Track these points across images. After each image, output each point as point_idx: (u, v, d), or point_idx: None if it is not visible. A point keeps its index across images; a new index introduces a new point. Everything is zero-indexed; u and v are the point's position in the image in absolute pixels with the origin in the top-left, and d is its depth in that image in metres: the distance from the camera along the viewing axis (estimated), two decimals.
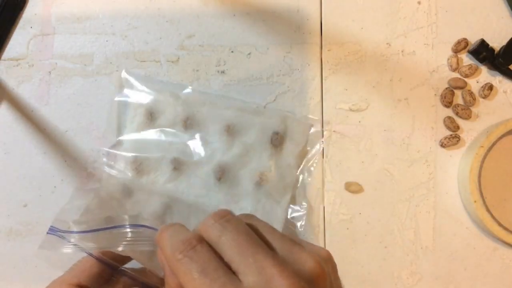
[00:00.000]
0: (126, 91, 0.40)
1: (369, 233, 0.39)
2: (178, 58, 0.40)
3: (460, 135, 0.39)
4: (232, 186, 0.38)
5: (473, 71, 0.39)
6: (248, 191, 0.38)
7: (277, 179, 0.38)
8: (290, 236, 0.27)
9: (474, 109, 0.39)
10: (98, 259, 0.31)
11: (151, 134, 0.39)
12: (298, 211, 0.38)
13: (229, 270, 0.25)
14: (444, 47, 0.40)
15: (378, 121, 0.39)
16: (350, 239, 0.39)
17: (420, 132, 0.39)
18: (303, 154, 0.39)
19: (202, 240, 0.26)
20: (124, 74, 0.40)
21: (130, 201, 0.38)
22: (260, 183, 0.38)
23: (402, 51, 0.40)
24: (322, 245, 0.38)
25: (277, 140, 0.38)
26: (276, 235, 0.26)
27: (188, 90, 0.40)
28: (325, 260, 0.27)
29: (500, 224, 0.36)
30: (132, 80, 0.40)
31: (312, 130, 0.39)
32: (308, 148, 0.39)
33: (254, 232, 0.26)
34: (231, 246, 0.25)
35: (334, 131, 0.39)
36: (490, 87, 0.39)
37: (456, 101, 0.40)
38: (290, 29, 0.40)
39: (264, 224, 0.27)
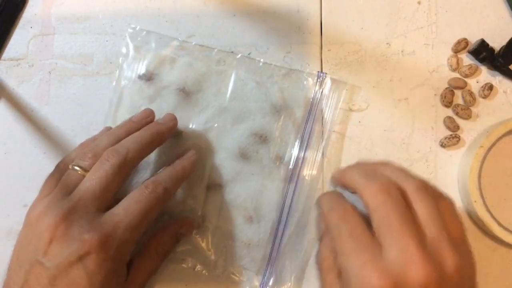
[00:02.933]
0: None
1: None
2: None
3: (460, 135, 0.39)
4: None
5: (473, 71, 0.39)
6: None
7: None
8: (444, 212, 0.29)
9: (474, 109, 0.39)
10: None
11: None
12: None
13: (374, 237, 0.28)
14: (444, 47, 0.40)
15: (378, 121, 0.39)
16: None
17: (420, 132, 0.39)
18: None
19: (354, 207, 0.30)
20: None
21: None
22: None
23: (402, 51, 0.40)
24: None
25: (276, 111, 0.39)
26: (432, 218, 0.28)
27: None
28: (469, 264, 0.28)
29: (500, 224, 0.36)
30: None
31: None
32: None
33: (414, 208, 0.29)
34: (383, 219, 0.28)
35: (334, 131, 0.39)
36: (490, 87, 0.39)
37: (456, 101, 0.40)
38: (290, 29, 0.40)
39: (427, 201, 0.29)
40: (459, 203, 0.39)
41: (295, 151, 0.38)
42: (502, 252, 0.38)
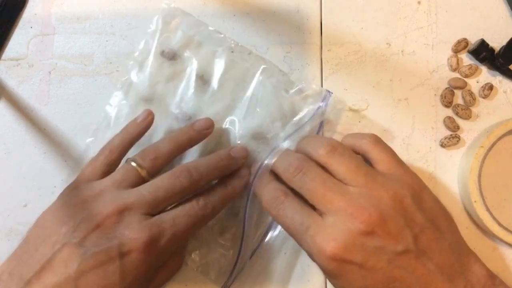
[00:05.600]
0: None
1: None
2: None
3: (460, 135, 0.39)
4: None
5: (473, 71, 0.39)
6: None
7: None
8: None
9: (474, 109, 0.39)
10: None
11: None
12: None
13: (314, 211, 0.31)
14: (444, 47, 0.40)
15: (378, 121, 0.39)
16: None
17: (420, 132, 0.39)
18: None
19: (289, 193, 0.32)
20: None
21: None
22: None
23: (402, 51, 0.40)
24: None
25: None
26: (350, 171, 0.31)
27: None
28: (411, 181, 0.32)
29: (500, 224, 0.36)
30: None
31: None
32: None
33: (331, 170, 0.31)
34: (308, 193, 0.31)
35: (334, 131, 0.39)
36: (490, 87, 0.39)
37: (456, 101, 0.40)
38: (290, 29, 0.40)
39: (339, 159, 0.32)
40: (459, 203, 0.39)
41: None
42: (502, 252, 0.38)
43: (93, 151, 0.37)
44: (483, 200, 0.37)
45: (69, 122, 0.40)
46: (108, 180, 0.32)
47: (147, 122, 0.36)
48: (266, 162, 0.35)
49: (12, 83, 0.40)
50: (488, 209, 0.37)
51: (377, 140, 0.33)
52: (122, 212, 0.30)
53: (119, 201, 0.30)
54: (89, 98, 0.40)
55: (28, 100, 0.40)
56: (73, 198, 0.31)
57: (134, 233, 0.29)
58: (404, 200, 0.30)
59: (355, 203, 0.29)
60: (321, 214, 0.30)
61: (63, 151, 0.40)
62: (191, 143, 0.36)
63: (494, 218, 0.36)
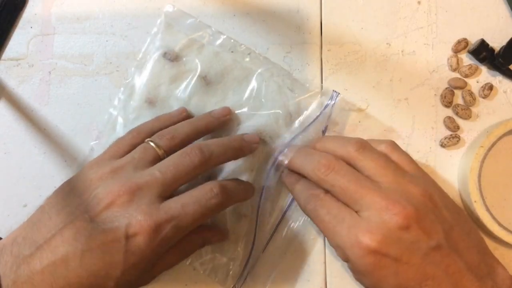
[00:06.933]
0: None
1: None
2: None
3: (460, 135, 0.39)
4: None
5: (473, 71, 0.39)
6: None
7: None
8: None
9: (474, 109, 0.39)
10: None
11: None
12: None
13: (348, 207, 0.31)
14: (444, 47, 0.40)
15: (378, 121, 0.39)
16: None
17: (420, 132, 0.39)
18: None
19: (326, 192, 0.32)
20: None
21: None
22: None
23: (402, 51, 0.40)
24: (323, 255, 0.38)
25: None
26: (380, 167, 0.31)
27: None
28: (432, 185, 0.32)
29: (500, 224, 0.36)
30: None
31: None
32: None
33: (361, 167, 0.32)
34: (342, 192, 0.31)
35: (334, 131, 0.39)
36: (490, 87, 0.39)
37: (456, 101, 0.40)
38: (290, 29, 0.40)
39: (369, 155, 0.32)
40: (459, 203, 0.39)
41: None
42: (502, 252, 0.38)
43: (97, 154, 0.37)
44: (483, 200, 0.37)
45: (69, 122, 0.40)
46: (126, 158, 0.33)
47: (181, 118, 0.37)
48: (280, 158, 0.35)
49: (12, 83, 0.40)
50: (488, 209, 0.37)
51: (395, 145, 0.34)
52: (134, 192, 0.30)
53: (132, 180, 0.31)
54: (89, 98, 0.40)
55: (28, 100, 0.40)
56: (92, 174, 0.32)
57: (142, 215, 0.30)
58: (433, 196, 0.30)
59: (390, 197, 0.29)
60: (355, 211, 0.30)
61: (63, 151, 0.40)
62: (208, 128, 0.36)
63: (494, 218, 0.36)
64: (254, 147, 0.36)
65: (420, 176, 0.32)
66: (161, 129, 0.35)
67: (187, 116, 0.37)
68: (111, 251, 0.29)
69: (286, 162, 0.36)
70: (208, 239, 0.36)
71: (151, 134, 0.35)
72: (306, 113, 0.38)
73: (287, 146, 0.36)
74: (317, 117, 0.38)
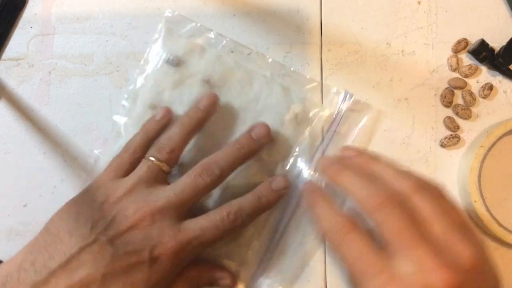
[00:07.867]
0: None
1: None
2: None
3: (460, 135, 0.39)
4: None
5: (473, 71, 0.39)
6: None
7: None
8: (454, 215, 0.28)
9: (474, 109, 0.39)
10: None
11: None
12: None
13: (380, 251, 0.27)
14: (444, 47, 0.40)
15: (378, 121, 0.39)
16: None
17: (420, 132, 0.39)
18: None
19: (356, 224, 0.29)
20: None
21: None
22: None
23: (402, 51, 0.40)
24: (322, 252, 0.38)
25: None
26: (437, 214, 0.27)
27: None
28: (482, 250, 0.28)
29: (500, 224, 0.36)
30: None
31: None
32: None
33: (415, 208, 0.28)
34: (392, 232, 0.27)
35: (334, 131, 0.39)
36: (490, 87, 0.39)
37: (456, 101, 0.40)
38: (290, 29, 0.40)
39: (427, 199, 0.28)
40: (459, 203, 0.39)
41: (301, 160, 0.38)
42: (502, 252, 0.38)
43: (104, 162, 0.38)
44: (483, 200, 0.37)
45: (69, 122, 0.40)
46: (134, 177, 0.33)
47: (167, 119, 0.37)
48: (307, 174, 0.34)
49: (12, 83, 0.40)
50: (488, 209, 0.37)
51: (444, 191, 0.31)
52: (153, 214, 0.31)
53: (150, 203, 0.31)
54: (89, 98, 0.40)
55: (28, 100, 0.40)
56: (102, 196, 0.32)
57: (166, 237, 0.30)
58: (479, 261, 0.27)
59: (438, 257, 0.26)
60: (391, 254, 0.27)
61: (63, 151, 0.40)
62: (200, 125, 0.36)
63: (494, 218, 0.36)
64: (264, 141, 0.36)
65: (468, 231, 0.28)
66: (152, 138, 0.35)
67: (172, 116, 0.37)
68: (134, 273, 0.29)
69: (322, 173, 0.33)
70: (216, 280, 0.35)
71: (146, 147, 0.35)
72: (313, 117, 0.38)
73: (311, 161, 0.35)
74: (334, 121, 0.38)
